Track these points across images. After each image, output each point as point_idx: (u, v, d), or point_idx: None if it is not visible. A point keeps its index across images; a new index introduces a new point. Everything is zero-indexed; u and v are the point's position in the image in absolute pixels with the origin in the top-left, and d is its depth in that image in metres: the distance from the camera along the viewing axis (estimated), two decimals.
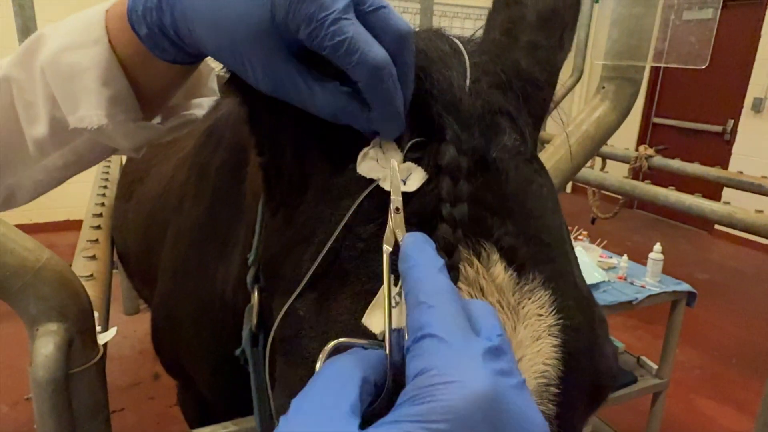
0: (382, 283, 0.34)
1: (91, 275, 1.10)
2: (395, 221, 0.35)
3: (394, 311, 0.32)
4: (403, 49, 0.36)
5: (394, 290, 0.32)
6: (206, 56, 0.43)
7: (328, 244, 0.38)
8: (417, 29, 0.48)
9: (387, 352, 0.30)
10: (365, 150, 0.40)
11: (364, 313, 0.35)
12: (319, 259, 0.38)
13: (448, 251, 0.36)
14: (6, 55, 0.46)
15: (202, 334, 0.89)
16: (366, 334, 0.34)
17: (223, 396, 0.93)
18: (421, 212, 0.37)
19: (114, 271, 1.37)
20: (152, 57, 0.42)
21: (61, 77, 0.43)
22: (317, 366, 0.31)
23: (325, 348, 0.32)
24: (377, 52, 0.34)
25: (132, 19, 0.41)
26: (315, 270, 0.39)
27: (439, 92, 0.39)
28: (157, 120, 0.51)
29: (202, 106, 0.55)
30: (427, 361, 0.25)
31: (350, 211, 0.38)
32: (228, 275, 0.81)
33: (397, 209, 0.36)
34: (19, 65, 0.44)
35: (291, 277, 0.41)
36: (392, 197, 0.36)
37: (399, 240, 0.34)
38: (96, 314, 0.84)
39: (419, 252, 0.32)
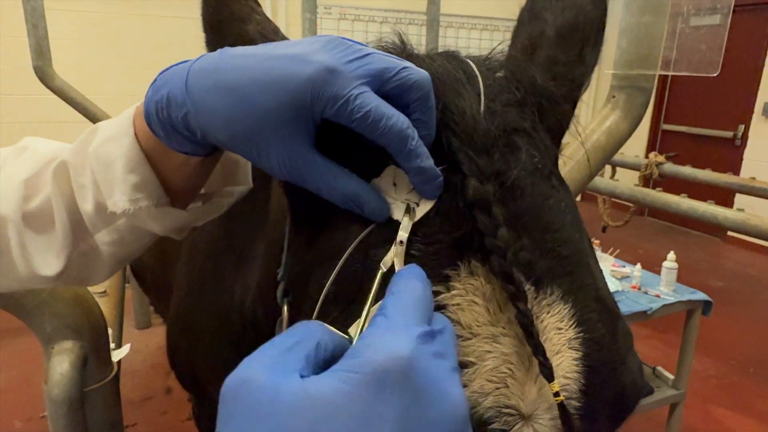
0: None
1: (104, 291, 1.11)
2: (397, 251, 0.38)
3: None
4: (427, 99, 0.39)
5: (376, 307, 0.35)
6: (221, 149, 0.46)
7: (338, 267, 0.40)
8: (432, 51, 0.49)
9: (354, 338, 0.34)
10: (375, 181, 0.41)
11: None
12: (329, 282, 0.40)
13: (506, 278, 0.36)
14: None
15: (219, 347, 0.89)
16: None
17: None
18: (466, 245, 0.38)
19: (126, 284, 1.38)
20: (172, 150, 0.45)
21: (101, 165, 0.47)
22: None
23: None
24: (399, 117, 0.37)
25: (150, 123, 0.44)
26: (338, 290, 0.40)
27: (454, 123, 0.40)
28: (197, 204, 0.54)
29: (232, 194, 0.58)
30: (367, 331, 0.30)
31: (360, 237, 0.40)
32: (246, 288, 0.81)
33: (401, 242, 0.38)
34: (76, 152, 0.49)
35: (315, 297, 0.42)
36: (399, 232, 0.38)
37: (396, 267, 0.37)
38: (110, 331, 0.84)
39: (411, 268, 0.36)
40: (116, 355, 0.84)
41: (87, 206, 0.49)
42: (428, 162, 0.38)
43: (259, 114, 0.38)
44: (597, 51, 0.55)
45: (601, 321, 0.40)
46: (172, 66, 0.45)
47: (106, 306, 1.05)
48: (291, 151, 0.39)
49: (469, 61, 0.47)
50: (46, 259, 0.51)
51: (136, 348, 2.95)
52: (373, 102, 0.37)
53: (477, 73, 0.45)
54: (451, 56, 0.47)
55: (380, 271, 0.37)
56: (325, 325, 0.32)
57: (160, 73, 0.44)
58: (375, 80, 0.38)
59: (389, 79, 0.38)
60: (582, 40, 0.54)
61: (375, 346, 0.28)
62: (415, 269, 0.36)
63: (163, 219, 0.49)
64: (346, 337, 0.33)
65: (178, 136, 0.43)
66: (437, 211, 0.39)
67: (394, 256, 0.38)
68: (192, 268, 0.97)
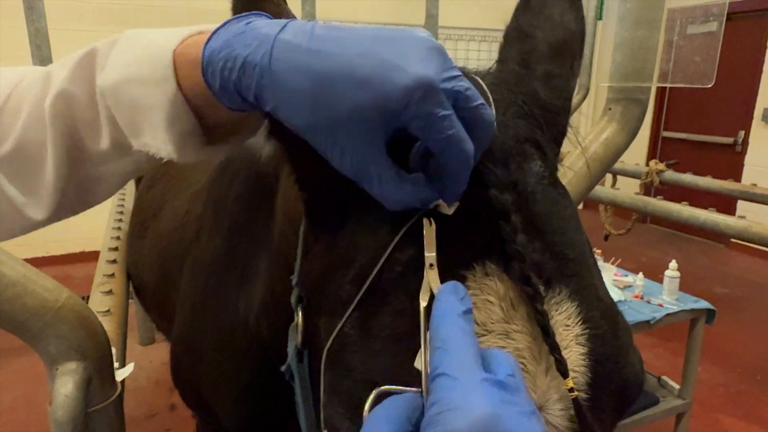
0: (418, 302, 0.38)
1: (108, 310, 1.11)
2: (430, 276, 0.38)
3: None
4: (488, 139, 0.40)
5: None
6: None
7: (375, 271, 0.41)
8: None
9: (423, 394, 0.34)
10: None
11: (403, 328, 0.39)
12: (368, 282, 0.41)
13: (525, 281, 0.39)
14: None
15: (224, 364, 0.90)
16: (404, 346, 0.38)
17: (245, 428, 0.94)
18: (489, 250, 0.40)
19: (129, 301, 1.39)
20: (217, 101, 0.44)
21: (123, 106, 0.45)
22: (365, 412, 0.35)
23: (369, 397, 0.36)
24: (470, 147, 0.38)
25: (206, 73, 0.42)
26: (358, 292, 0.42)
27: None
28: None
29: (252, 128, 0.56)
30: (437, 395, 0.29)
31: (394, 241, 0.41)
32: (250, 304, 0.82)
33: (431, 265, 0.39)
34: (75, 82, 0.47)
35: (334, 297, 0.44)
36: (426, 255, 0.39)
37: (434, 290, 0.38)
38: (113, 350, 0.85)
39: (444, 301, 0.35)
40: (120, 375, 0.84)
41: (100, 144, 0.47)
42: (464, 188, 0.40)
43: (346, 109, 0.37)
44: (580, 63, 0.59)
45: (604, 318, 0.43)
46: (241, 17, 0.43)
47: (109, 325, 1.05)
48: (365, 151, 0.39)
49: (476, 77, 0.49)
50: (36, 202, 0.49)
51: (140, 364, 2.95)
52: (456, 126, 0.37)
53: (486, 89, 0.47)
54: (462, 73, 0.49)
55: (422, 306, 0.37)
56: (393, 390, 0.35)
57: (227, 22, 0.43)
58: (456, 101, 0.38)
59: (467, 107, 0.38)
60: (571, 54, 0.57)
61: (454, 413, 0.28)
62: (449, 299, 0.35)
63: (195, 157, 0.48)
64: (416, 390, 0.35)
65: (236, 97, 0.41)
66: (459, 218, 0.41)
67: (429, 282, 0.38)
68: (195, 286, 0.98)
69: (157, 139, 0.45)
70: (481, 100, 0.39)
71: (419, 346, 0.37)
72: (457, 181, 0.39)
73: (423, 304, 0.37)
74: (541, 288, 0.40)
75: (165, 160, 0.47)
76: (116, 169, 0.51)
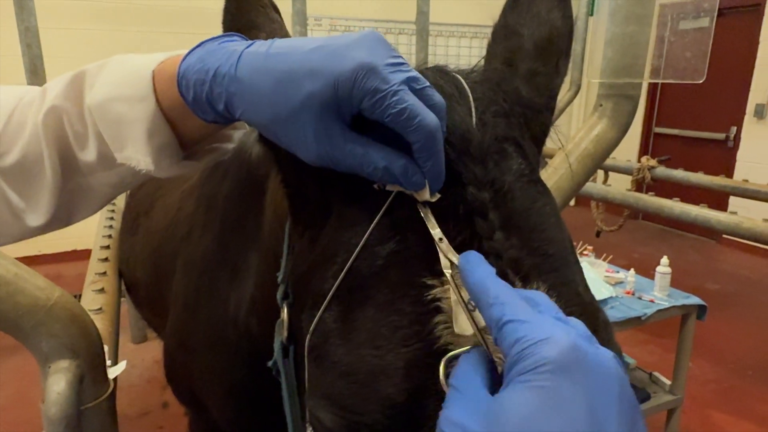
0: (401, 294, 0.40)
1: (100, 308, 1.11)
2: (444, 249, 0.40)
3: (475, 314, 0.37)
4: (441, 121, 0.41)
5: (465, 299, 0.38)
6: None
7: (350, 263, 0.42)
8: (422, 65, 0.51)
9: (485, 346, 0.36)
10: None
11: (386, 320, 0.40)
12: (341, 276, 0.43)
13: (502, 277, 0.39)
14: None
15: (216, 360, 0.90)
16: (385, 338, 0.39)
17: (237, 423, 0.94)
18: (466, 247, 0.41)
19: (122, 299, 1.38)
20: (192, 114, 0.47)
21: (109, 122, 0.49)
22: (441, 377, 0.36)
23: (441, 364, 0.37)
24: (432, 117, 0.40)
25: (181, 85, 0.46)
26: (340, 285, 0.43)
27: (451, 135, 0.43)
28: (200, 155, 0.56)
29: (232, 139, 0.59)
30: (515, 335, 0.32)
31: (369, 230, 0.43)
32: (241, 301, 0.83)
33: (441, 239, 0.40)
34: (66, 99, 0.50)
35: (317, 292, 0.45)
36: (432, 232, 0.41)
37: (455, 262, 0.39)
38: (105, 348, 0.85)
39: (476, 267, 0.37)
40: (112, 372, 0.84)
41: (87, 154, 0.50)
42: (443, 166, 0.41)
43: (304, 96, 0.40)
44: (567, 61, 0.59)
45: (583, 314, 0.42)
46: (216, 37, 0.47)
47: (101, 322, 1.04)
48: (330, 130, 0.41)
49: (457, 75, 0.49)
50: (34, 209, 0.53)
51: (132, 362, 2.94)
52: (410, 100, 0.39)
53: (466, 87, 0.47)
54: (442, 71, 0.49)
55: (449, 273, 0.39)
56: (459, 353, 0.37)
57: (203, 42, 0.46)
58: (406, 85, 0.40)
59: (415, 90, 0.40)
60: (557, 53, 0.57)
61: (543, 344, 0.30)
62: (480, 263, 0.37)
63: (175, 170, 0.52)
64: (478, 347, 0.37)
65: (208, 107, 0.45)
66: (437, 216, 0.42)
67: (446, 253, 0.40)
68: (187, 283, 0.98)
69: (138, 152, 0.48)
70: (427, 84, 0.41)
71: (404, 336, 0.39)
72: (429, 155, 0.40)
73: (448, 272, 0.39)
74: (519, 284, 0.40)
75: (144, 172, 0.50)
76: (103, 180, 0.54)
